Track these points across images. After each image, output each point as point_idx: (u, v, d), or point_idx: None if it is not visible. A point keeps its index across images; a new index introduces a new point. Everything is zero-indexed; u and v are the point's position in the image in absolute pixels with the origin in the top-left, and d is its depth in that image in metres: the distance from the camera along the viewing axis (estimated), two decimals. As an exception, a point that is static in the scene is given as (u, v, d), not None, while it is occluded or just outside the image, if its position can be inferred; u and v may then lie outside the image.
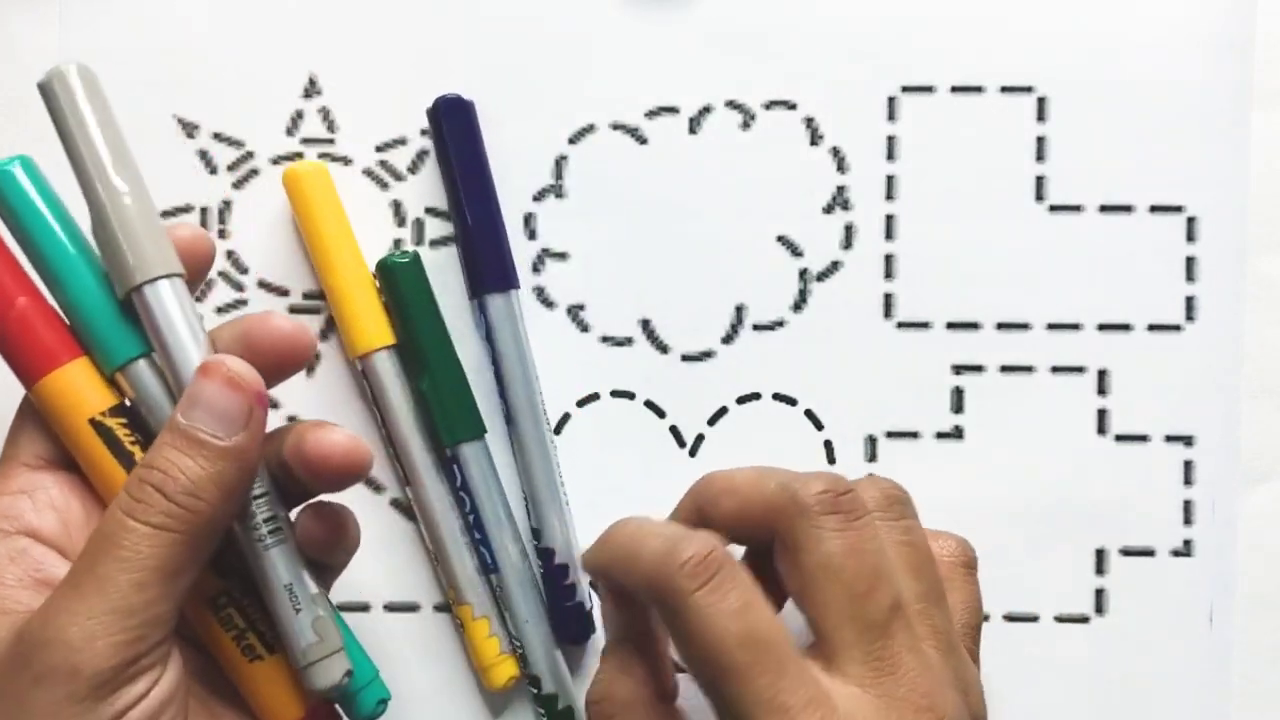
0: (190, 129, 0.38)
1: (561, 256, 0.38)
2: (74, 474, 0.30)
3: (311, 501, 0.32)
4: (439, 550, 0.37)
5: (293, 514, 0.31)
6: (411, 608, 0.38)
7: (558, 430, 0.38)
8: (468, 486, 0.36)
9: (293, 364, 0.31)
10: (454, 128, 0.37)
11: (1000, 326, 0.38)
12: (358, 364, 0.37)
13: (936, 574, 0.30)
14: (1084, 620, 0.38)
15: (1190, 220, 0.38)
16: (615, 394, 0.38)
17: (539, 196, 0.38)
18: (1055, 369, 0.38)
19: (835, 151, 0.38)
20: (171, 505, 0.27)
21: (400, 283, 0.36)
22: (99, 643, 0.26)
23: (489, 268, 0.37)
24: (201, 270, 0.31)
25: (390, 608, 0.38)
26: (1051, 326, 0.38)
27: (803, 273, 0.38)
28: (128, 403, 0.30)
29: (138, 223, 0.29)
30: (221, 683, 0.31)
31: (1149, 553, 0.38)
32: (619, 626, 0.30)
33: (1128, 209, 0.38)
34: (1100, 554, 0.38)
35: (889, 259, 0.38)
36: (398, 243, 0.38)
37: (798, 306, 0.38)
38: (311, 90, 0.38)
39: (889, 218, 0.38)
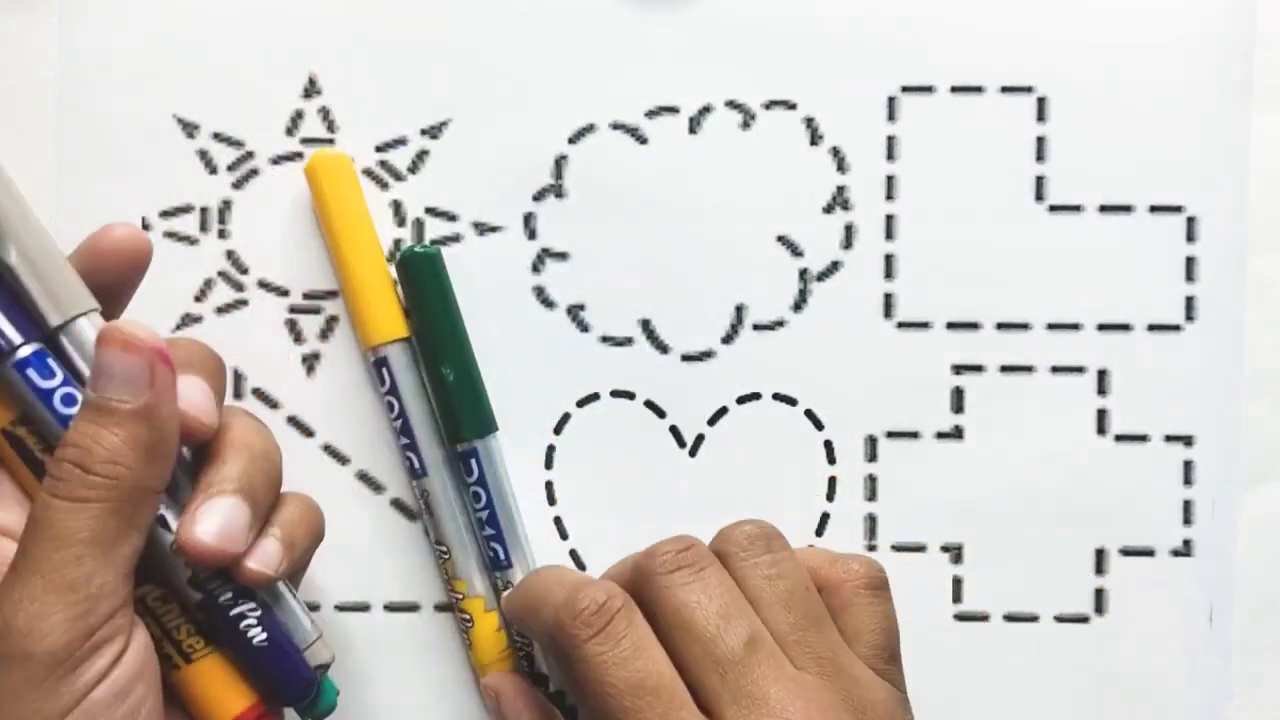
0: (190, 129, 0.38)
1: (561, 256, 0.38)
2: None
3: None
4: (449, 544, 0.37)
5: None
6: (411, 608, 0.38)
7: (558, 430, 0.38)
8: (483, 481, 0.37)
9: (136, 266, 0.31)
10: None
11: (1000, 326, 0.38)
12: (370, 356, 0.37)
13: (811, 599, 0.31)
14: (1084, 620, 0.38)
15: (1190, 220, 0.38)
16: (615, 394, 0.38)
17: (539, 196, 0.38)
18: (1055, 369, 0.38)
19: (835, 151, 0.38)
20: (92, 477, 0.27)
21: (422, 275, 0.36)
22: (45, 623, 0.26)
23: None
24: (140, 267, 0.32)
25: (390, 608, 0.38)
26: (1051, 326, 0.38)
27: (803, 273, 0.38)
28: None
29: (45, 264, 0.29)
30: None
31: (1149, 553, 0.38)
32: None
33: (1128, 209, 0.38)
34: (1100, 554, 0.38)
35: (889, 259, 0.38)
36: (397, 243, 0.38)
37: (798, 306, 0.38)
38: (311, 90, 0.38)
39: (889, 218, 0.38)
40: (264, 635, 0.30)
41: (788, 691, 0.28)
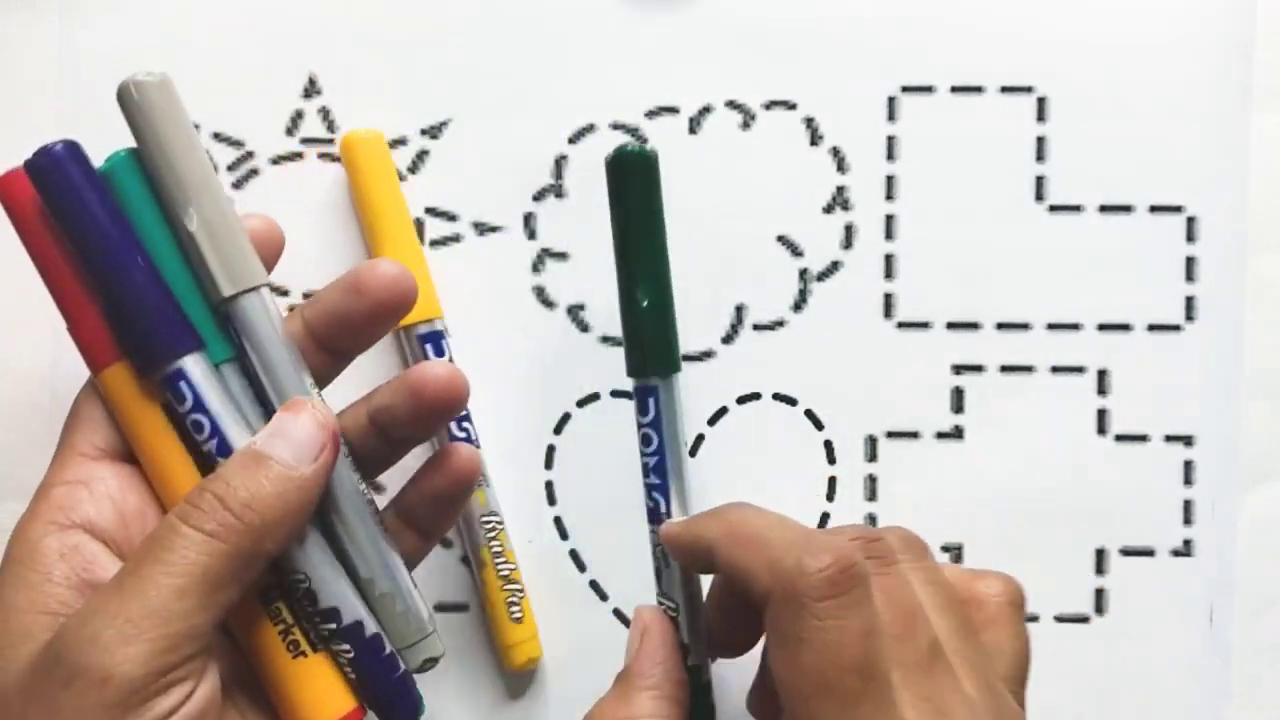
0: (190, 129, 0.38)
1: (561, 256, 0.38)
2: (132, 466, 0.30)
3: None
4: (501, 513, 0.37)
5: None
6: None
7: (558, 430, 0.38)
8: (657, 423, 0.32)
9: (398, 311, 0.31)
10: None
11: (1000, 326, 0.38)
12: (402, 335, 0.37)
13: (966, 613, 0.29)
14: (1084, 620, 0.38)
15: (1190, 220, 0.38)
16: (615, 394, 0.38)
17: (539, 196, 0.38)
18: (1055, 369, 0.38)
19: (835, 151, 0.38)
20: (227, 515, 0.27)
21: (635, 180, 0.32)
22: (133, 647, 0.26)
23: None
24: (275, 255, 0.32)
25: (390, 608, 0.38)
26: (1051, 326, 0.38)
27: (803, 273, 0.38)
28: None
29: (229, 234, 0.29)
30: (250, 692, 0.30)
31: (1149, 552, 0.38)
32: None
33: (1128, 209, 0.38)
34: (1100, 554, 0.38)
35: (889, 259, 0.38)
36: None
37: (798, 306, 0.38)
38: (311, 90, 0.38)
39: (889, 218, 0.38)
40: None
41: (964, 704, 0.27)
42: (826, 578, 0.26)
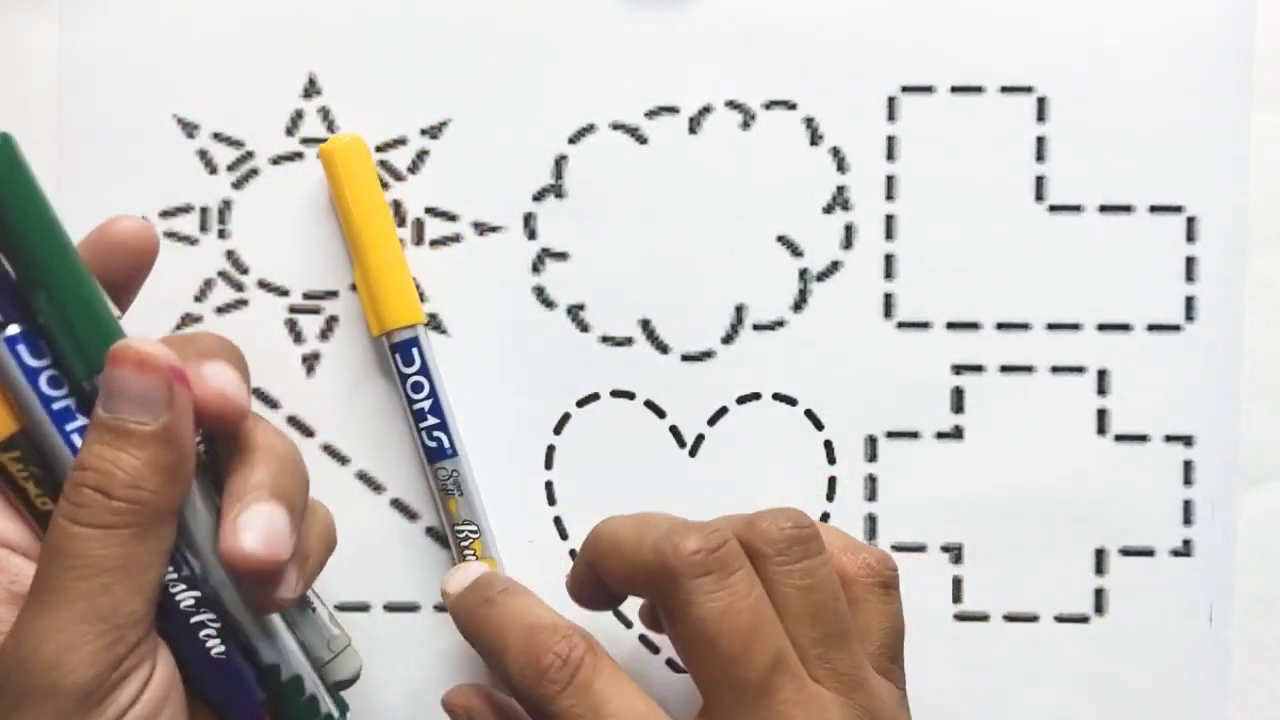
0: (190, 129, 0.38)
1: (561, 256, 0.38)
2: None
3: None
4: (480, 523, 0.37)
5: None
6: (411, 608, 0.38)
7: (558, 430, 0.38)
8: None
9: (143, 261, 0.30)
10: None
11: (1000, 326, 0.38)
12: (387, 341, 0.37)
13: (839, 611, 0.30)
14: (1084, 620, 0.38)
15: (1190, 220, 0.38)
16: (615, 394, 0.38)
17: (539, 196, 0.38)
18: (1055, 369, 0.38)
19: (835, 151, 0.38)
20: (115, 503, 0.26)
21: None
22: (74, 655, 0.25)
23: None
24: (149, 261, 0.31)
25: (390, 608, 0.38)
26: (1051, 326, 0.38)
27: (803, 273, 0.38)
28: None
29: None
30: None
31: (1149, 553, 0.38)
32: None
33: (1128, 209, 0.38)
34: (1100, 554, 0.38)
35: (889, 259, 0.38)
36: (400, 243, 0.38)
37: (798, 306, 0.38)
38: (311, 90, 0.38)
39: (889, 218, 0.38)
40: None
41: (807, 714, 0.28)
42: (700, 559, 0.28)
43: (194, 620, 0.29)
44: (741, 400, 0.38)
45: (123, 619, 0.26)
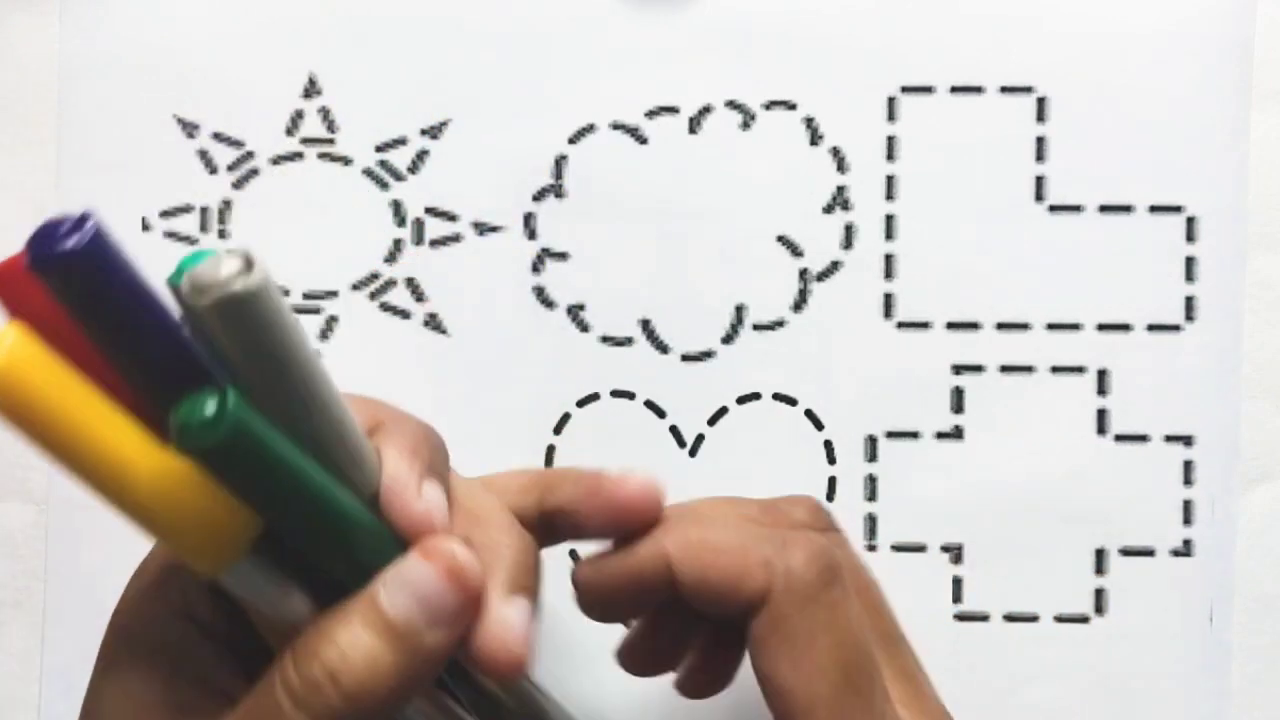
0: (190, 129, 0.38)
1: (561, 256, 0.38)
2: None
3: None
4: None
5: None
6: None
7: (558, 430, 0.38)
8: None
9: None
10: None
11: (1000, 326, 0.38)
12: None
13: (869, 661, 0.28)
14: (1084, 620, 0.38)
15: (1190, 220, 0.38)
16: (615, 394, 0.38)
17: (539, 196, 0.38)
18: (1055, 369, 0.38)
19: (835, 151, 0.38)
20: (338, 698, 0.23)
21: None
22: None
23: None
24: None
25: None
26: (1051, 326, 0.38)
27: (803, 273, 0.38)
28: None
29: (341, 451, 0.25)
30: None
31: (1149, 553, 0.38)
32: None
33: (1128, 209, 0.38)
34: (1100, 554, 0.38)
35: (889, 259, 0.38)
36: (398, 243, 0.38)
37: (798, 306, 0.38)
38: (311, 90, 0.38)
39: (889, 218, 0.38)
40: None
41: (920, 671, 0.28)
42: (818, 571, 0.26)
43: None
44: (741, 400, 0.38)
45: None
